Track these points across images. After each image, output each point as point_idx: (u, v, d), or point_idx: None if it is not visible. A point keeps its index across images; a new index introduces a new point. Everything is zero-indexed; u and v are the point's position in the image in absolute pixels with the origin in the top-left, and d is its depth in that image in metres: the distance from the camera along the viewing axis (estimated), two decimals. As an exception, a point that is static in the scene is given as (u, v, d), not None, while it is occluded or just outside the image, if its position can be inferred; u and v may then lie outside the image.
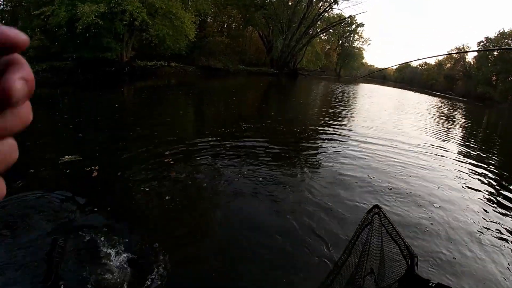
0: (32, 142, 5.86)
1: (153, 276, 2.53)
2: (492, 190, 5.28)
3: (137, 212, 3.41)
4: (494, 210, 4.52)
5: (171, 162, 4.67)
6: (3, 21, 20.02)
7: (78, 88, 14.75)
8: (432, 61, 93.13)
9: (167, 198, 3.64)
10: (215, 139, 6.09)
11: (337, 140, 7.08)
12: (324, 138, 7.15)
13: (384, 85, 57.34)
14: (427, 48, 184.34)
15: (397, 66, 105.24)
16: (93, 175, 4.20)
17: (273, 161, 5.08)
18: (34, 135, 6.42)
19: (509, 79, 58.35)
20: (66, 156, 4.80)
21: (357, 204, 3.99)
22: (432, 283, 1.72)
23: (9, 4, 20.34)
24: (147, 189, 3.77)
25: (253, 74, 35.24)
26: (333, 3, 38.75)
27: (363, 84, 49.36)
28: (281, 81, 31.52)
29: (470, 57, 75.16)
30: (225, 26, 39.76)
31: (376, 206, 2.45)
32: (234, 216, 3.45)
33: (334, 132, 7.78)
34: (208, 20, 34.00)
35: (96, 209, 3.36)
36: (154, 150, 5.22)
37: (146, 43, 21.97)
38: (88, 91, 14.18)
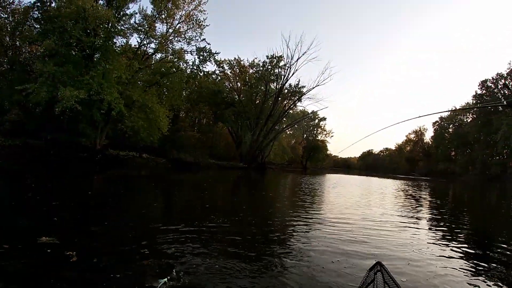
0: (4, 219, 5.74)
1: None
2: (464, 262, 5.24)
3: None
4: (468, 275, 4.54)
5: (146, 252, 4.64)
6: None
7: (50, 169, 13.89)
8: (392, 146, 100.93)
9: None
10: (189, 230, 6.17)
11: (306, 231, 6.99)
12: (294, 229, 7.10)
13: (349, 174, 59.40)
14: (389, 134, 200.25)
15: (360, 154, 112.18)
16: (71, 260, 4.06)
17: (245, 253, 5.11)
18: (7, 212, 6.22)
19: (467, 151, 63.41)
20: (44, 237, 4.63)
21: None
22: None
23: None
24: (118, 275, 3.78)
25: (223, 168, 35.44)
26: (297, 101, 42.37)
27: (329, 174, 50.74)
28: (250, 175, 31.69)
29: (427, 137, 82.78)
30: (197, 121, 41.32)
31: (378, 263, 2.49)
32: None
33: (303, 223, 7.78)
34: (181, 115, 35.21)
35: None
36: (129, 239, 5.21)
37: (120, 133, 21.77)
38: (60, 173, 13.45)
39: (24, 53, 21.27)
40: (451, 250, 5.81)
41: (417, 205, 12.92)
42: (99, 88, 17.07)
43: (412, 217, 9.60)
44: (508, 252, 5.84)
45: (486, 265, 4.96)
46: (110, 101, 17.72)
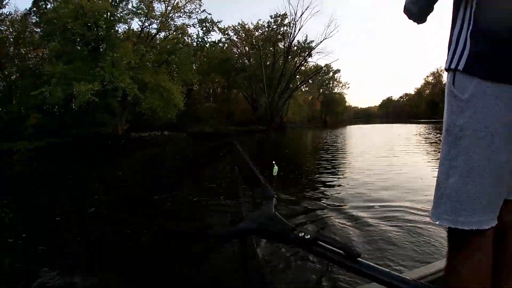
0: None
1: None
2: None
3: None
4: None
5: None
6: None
7: (79, 164, 14.65)
8: (412, 91, 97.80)
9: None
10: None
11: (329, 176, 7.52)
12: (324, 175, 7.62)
13: (370, 123, 58.96)
14: (406, 77, 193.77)
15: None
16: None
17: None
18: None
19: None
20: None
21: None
22: None
23: (2, 83, 21.05)
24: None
25: (243, 133, 35.92)
26: (308, 57, 41.62)
27: (350, 126, 50.69)
28: (270, 136, 32.19)
29: (445, 78, 78.96)
30: (211, 91, 41.78)
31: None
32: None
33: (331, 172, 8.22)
34: (194, 88, 35.71)
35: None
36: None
37: (139, 115, 22.86)
38: (93, 166, 13.95)
39: (31, 58, 21.97)
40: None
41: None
42: (111, 77, 17.90)
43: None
44: None
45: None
46: (124, 88, 18.58)
